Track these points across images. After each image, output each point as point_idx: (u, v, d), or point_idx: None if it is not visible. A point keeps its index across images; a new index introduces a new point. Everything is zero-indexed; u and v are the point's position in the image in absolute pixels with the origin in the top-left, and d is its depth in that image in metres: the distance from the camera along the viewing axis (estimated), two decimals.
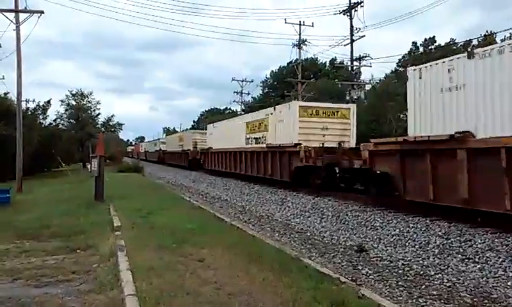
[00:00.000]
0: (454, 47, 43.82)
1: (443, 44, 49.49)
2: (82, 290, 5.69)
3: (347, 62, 41.71)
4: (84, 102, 51.11)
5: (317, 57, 61.35)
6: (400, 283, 6.91)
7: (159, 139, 74.88)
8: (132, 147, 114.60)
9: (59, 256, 7.50)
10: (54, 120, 48.26)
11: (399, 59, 48.15)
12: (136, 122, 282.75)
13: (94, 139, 41.29)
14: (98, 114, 53.22)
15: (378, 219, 11.57)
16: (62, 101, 50.27)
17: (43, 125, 42.17)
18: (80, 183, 23.72)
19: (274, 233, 11.00)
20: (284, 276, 5.93)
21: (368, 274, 7.40)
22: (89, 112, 51.74)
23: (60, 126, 49.47)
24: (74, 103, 50.53)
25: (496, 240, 8.58)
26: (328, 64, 63.75)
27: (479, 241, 8.65)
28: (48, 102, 43.91)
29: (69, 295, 5.49)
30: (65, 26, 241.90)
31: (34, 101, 45.59)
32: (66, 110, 50.50)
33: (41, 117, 42.87)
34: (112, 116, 55.35)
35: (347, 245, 9.61)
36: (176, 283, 5.64)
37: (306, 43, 41.44)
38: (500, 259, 7.56)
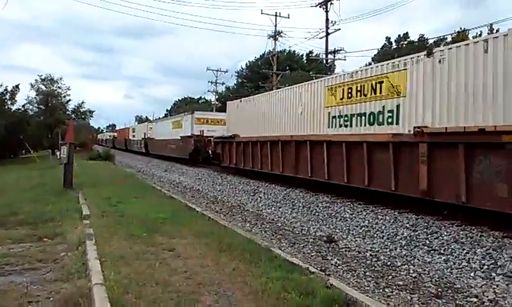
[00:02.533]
0: (427, 44, 44.64)
1: (416, 40, 50.38)
2: (48, 278, 5.59)
3: (322, 55, 41.99)
4: (54, 88, 50.04)
5: (294, 51, 61.58)
6: (368, 273, 7.04)
7: (191, 112, 33.14)
8: (113, 133, 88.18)
9: (25, 244, 7.35)
10: (23, 106, 47.17)
11: (374, 54, 48.78)
12: (109, 110, 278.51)
13: (64, 125, 40.47)
14: (69, 100, 52.19)
15: (348, 211, 11.73)
16: (32, 85, 49.12)
17: (11, 111, 41.14)
18: (49, 170, 23.27)
19: (246, 223, 11.03)
20: (254, 266, 5.96)
21: (337, 265, 7.50)
22: (59, 98, 50.68)
23: (29, 112, 48.35)
24: (44, 88, 49.43)
25: (461, 232, 8.83)
26: (304, 56, 64.08)
27: (445, 233, 8.88)
28: (17, 86, 42.81)
29: (34, 283, 5.39)
30: (38, 10, 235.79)
31: (1, 85, 44.38)
32: (36, 95, 49.39)
33: (9, 102, 41.79)
34: (82, 103, 54.36)
35: (317, 235, 9.71)
36: (146, 272, 5.60)
37: (282, 34, 41.50)
38: (465, 251, 7.78)
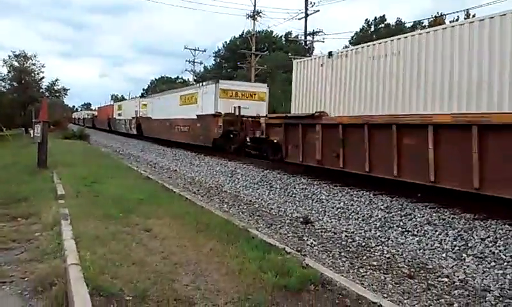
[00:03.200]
0: (403, 27, 45.01)
1: (393, 23, 50.71)
2: (22, 258, 5.51)
3: (301, 37, 41.93)
4: (28, 65, 48.70)
5: (271, 31, 61.31)
6: (342, 254, 7.16)
7: (214, 82, 23.21)
8: (92, 112, 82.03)
9: None
10: None
11: (352, 37, 48.95)
12: (84, 88, 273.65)
13: (37, 103, 39.52)
14: (43, 77, 50.87)
15: (324, 192, 11.86)
16: (4, 61, 47.70)
17: None
18: (23, 149, 22.81)
19: (223, 204, 11.06)
20: (231, 246, 6.00)
21: (312, 245, 7.61)
22: (33, 75, 49.38)
23: (1, 88, 47.11)
24: (17, 64, 48.06)
25: (434, 214, 9.03)
26: (283, 37, 63.83)
27: (419, 215, 9.07)
28: None
29: (9, 263, 5.31)
30: None
31: None
32: (8, 71, 48.02)
33: None
34: (56, 80, 53.02)
35: (293, 217, 9.81)
36: (122, 252, 5.57)
37: (260, 14, 41.15)
38: (437, 233, 7.98)
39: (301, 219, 9.38)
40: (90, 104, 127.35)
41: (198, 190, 13.19)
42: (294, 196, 11.97)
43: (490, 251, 6.99)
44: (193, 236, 6.59)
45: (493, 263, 6.53)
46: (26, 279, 4.88)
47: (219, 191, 13.20)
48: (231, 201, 11.53)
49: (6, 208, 8.38)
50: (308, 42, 39.88)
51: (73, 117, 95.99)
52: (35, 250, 5.85)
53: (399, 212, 9.43)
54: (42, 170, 13.73)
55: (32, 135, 19.56)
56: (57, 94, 54.06)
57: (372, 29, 55.95)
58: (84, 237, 6.02)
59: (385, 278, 6.07)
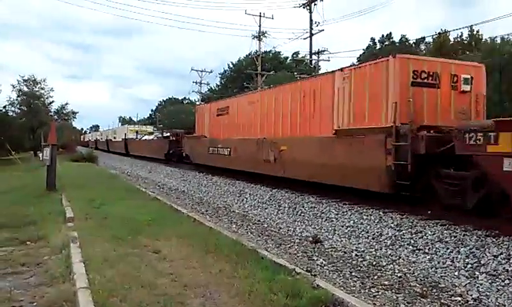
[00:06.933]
0: (407, 43, 45.06)
1: (398, 40, 50.79)
2: (32, 283, 5.50)
3: (306, 56, 42.12)
4: (37, 89, 49.28)
5: (279, 51, 61.64)
6: (353, 274, 7.07)
7: None
8: (140, 128, 58.49)
9: (7, 248, 7.21)
10: (4, 106, 46.42)
11: (360, 55, 49.05)
12: (92, 110, 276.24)
13: (46, 127, 39.89)
14: (52, 101, 51.44)
15: (333, 211, 11.78)
16: (13, 86, 48.31)
17: None
18: (31, 172, 22.97)
19: (232, 225, 11.00)
20: (241, 268, 5.94)
21: (323, 265, 7.52)
22: (42, 99, 49.93)
23: (10, 113, 47.64)
24: (26, 89, 48.65)
25: (445, 231, 8.92)
26: (288, 57, 64.15)
27: (429, 233, 8.96)
28: None
29: (18, 288, 5.30)
30: (17, 6, 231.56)
31: None
32: (18, 96, 48.59)
33: None
34: (66, 104, 53.66)
35: (302, 236, 9.73)
36: (131, 275, 5.55)
37: (266, 35, 41.47)
38: (449, 250, 7.87)
39: (311, 239, 9.29)
40: (98, 126, 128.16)
41: (207, 211, 13.15)
42: (302, 215, 11.90)
43: (504, 268, 6.87)
44: (202, 257, 6.55)
45: (507, 281, 6.41)
46: (35, 303, 4.86)
47: (228, 211, 13.16)
48: (239, 221, 11.47)
49: (15, 231, 8.39)
50: (313, 61, 40.10)
51: (88, 140, 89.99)
52: (44, 274, 5.84)
53: (409, 230, 9.33)
54: (51, 193, 13.79)
55: (41, 158, 19.68)
56: (66, 118, 54.68)
57: (378, 46, 56.05)
58: (93, 260, 6.01)
59: (397, 298, 5.97)
